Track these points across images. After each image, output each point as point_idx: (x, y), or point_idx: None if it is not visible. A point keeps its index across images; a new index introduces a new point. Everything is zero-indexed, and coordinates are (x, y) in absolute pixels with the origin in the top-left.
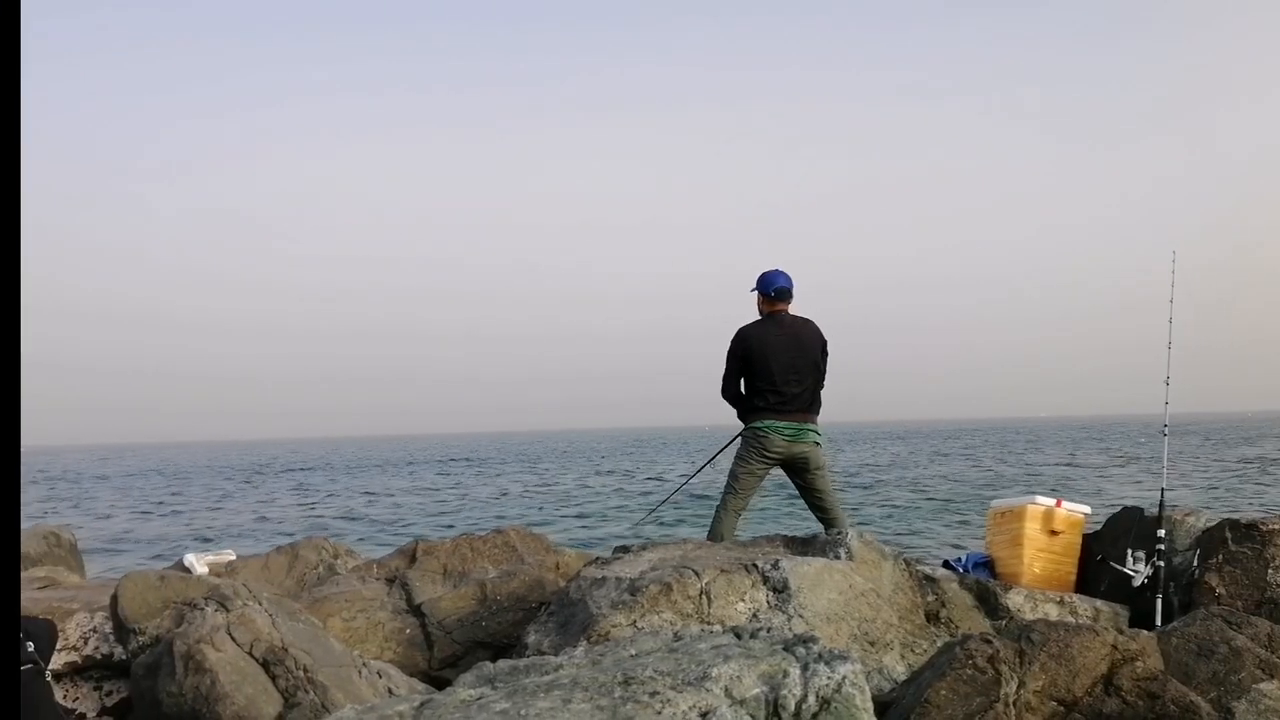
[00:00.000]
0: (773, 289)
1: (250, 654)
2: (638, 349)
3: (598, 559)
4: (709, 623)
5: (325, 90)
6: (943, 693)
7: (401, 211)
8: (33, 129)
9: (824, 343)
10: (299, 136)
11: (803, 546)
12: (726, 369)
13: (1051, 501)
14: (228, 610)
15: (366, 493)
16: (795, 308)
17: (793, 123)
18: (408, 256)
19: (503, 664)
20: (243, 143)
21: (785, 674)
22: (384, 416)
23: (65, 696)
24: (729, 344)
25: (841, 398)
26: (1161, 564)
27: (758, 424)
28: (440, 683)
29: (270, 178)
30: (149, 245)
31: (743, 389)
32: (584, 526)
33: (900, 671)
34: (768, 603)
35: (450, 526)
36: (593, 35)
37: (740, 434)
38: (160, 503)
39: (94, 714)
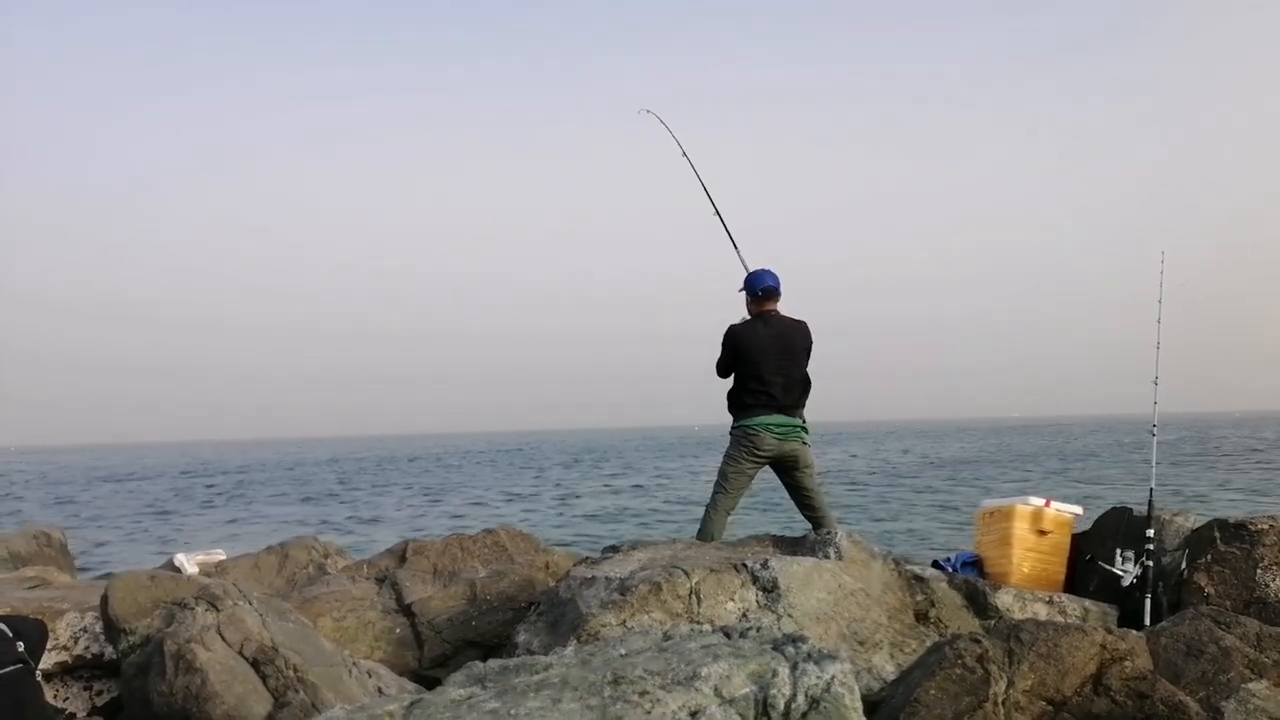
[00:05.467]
0: (760, 288)
1: (240, 653)
2: (626, 350)
3: (587, 559)
4: (698, 622)
5: (315, 96)
6: (932, 692)
7: (395, 215)
8: (41, 130)
9: (810, 343)
10: (297, 141)
11: (792, 546)
12: (718, 359)
13: (1040, 501)
14: (218, 610)
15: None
16: (783, 307)
17: (791, 126)
18: (399, 261)
19: (493, 663)
20: (257, 145)
21: (774, 673)
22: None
23: (55, 696)
24: (721, 340)
25: (826, 398)
26: (1150, 564)
27: (747, 422)
28: (430, 682)
29: (274, 180)
30: (162, 248)
31: (732, 386)
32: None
33: (889, 671)
34: (757, 602)
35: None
36: (601, 41)
37: (730, 433)
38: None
39: (84, 714)
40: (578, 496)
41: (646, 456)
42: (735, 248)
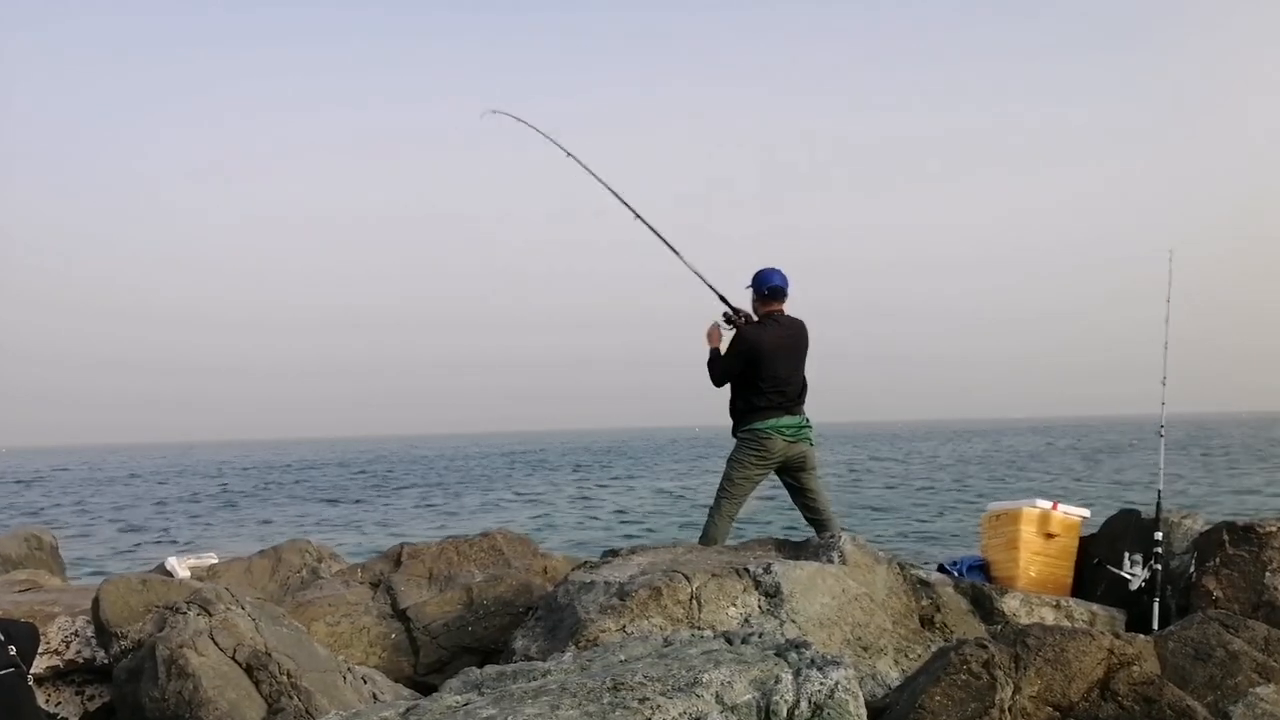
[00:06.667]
0: (767, 288)
1: (233, 659)
2: (625, 349)
3: (586, 563)
4: (699, 627)
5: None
6: (937, 698)
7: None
8: (44, 129)
9: (809, 342)
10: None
11: (795, 550)
12: (726, 365)
13: (1048, 504)
14: (210, 614)
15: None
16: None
17: (792, 126)
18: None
19: (489, 669)
20: (264, 146)
21: (777, 679)
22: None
23: (47, 700)
24: (732, 343)
25: (832, 399)
26: (1158, 567)
27: (759, 425)
28: (426, 688)
29: (276, 180)
30: (165, 246)
31: (732, 390)
32: None
33: (894, 677)
34: (759, 607)
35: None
36: (602, 42)
37: (737, 435)
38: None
39: (76, 718)
40: (580, 497)
41: (645, 457)
42: (676, 252)
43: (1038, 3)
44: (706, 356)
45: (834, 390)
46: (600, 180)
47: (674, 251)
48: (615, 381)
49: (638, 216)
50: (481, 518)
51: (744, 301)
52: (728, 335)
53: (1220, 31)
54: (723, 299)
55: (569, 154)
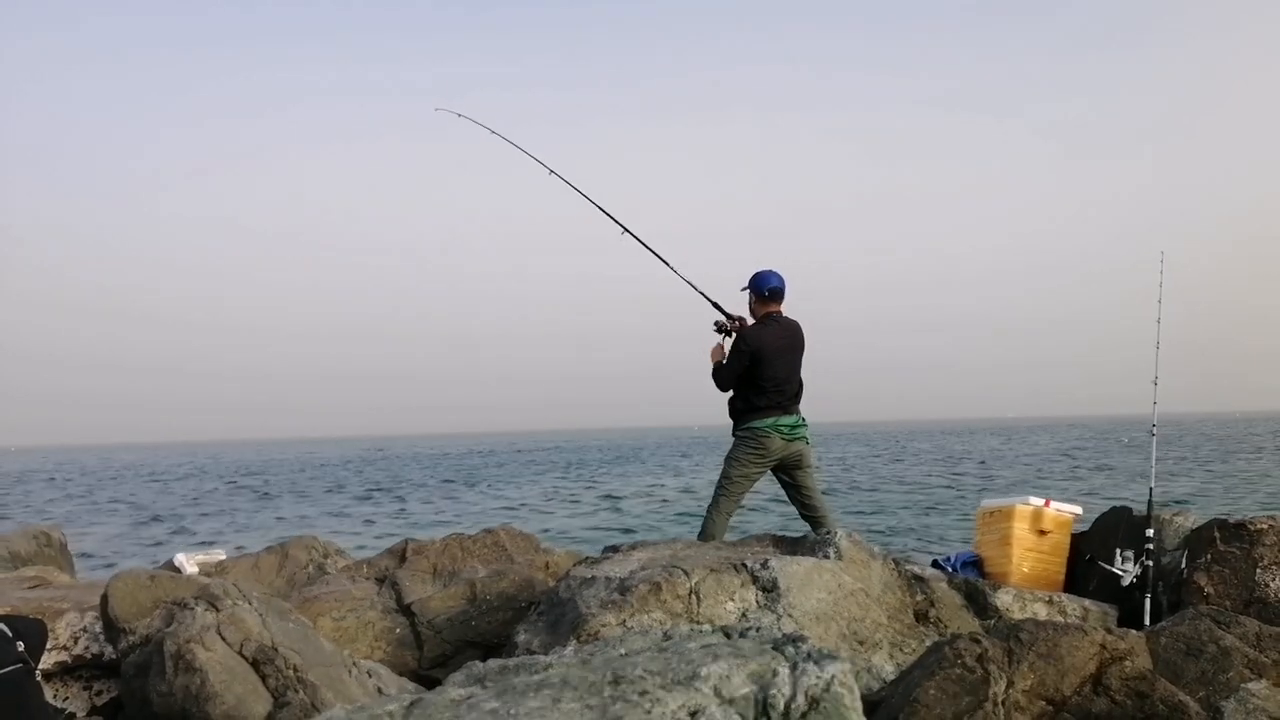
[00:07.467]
0: (766, 289)
1: (240, 653)
2: (624, 349)
3: (587, 558)
4: (698, 622)
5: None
6: (931, 692)
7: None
8: (46, 130)
9: (805, 343)
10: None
11: (792, 546)
12: (731, 367)
13: (1041, 501)
14: (218, 610)
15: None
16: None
17: (802, 129)
18: (399, 259)
19: (492, 663)
20: (263, 144)
21: (774, 673)
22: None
23: (55, 696)
24: (735, 345)
25: (829, 398)
26: (1150, 563)
27: (757, 424)
28: (430, 682)
29: (278, 180)
30: (164, 246)
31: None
32: None
33: (889, 671)
34: (757, 602)
35: None
36: (605, 44)
37: (735, 434)
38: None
39: (84, 713)
40: (581, 495)
41: (645, 455)
42: (665, 262)
43: (1048, 3)
44: (710, 369)
45: (834, 391)
46: (584, 195)
47: (664, 262)
48: (616, 383)
49: (626, 230)
50: (485, 515)
51: (739, 304)
52: (725, 339)
53: (1223, 31)
54: (716, 306)
55: (552, 171)
